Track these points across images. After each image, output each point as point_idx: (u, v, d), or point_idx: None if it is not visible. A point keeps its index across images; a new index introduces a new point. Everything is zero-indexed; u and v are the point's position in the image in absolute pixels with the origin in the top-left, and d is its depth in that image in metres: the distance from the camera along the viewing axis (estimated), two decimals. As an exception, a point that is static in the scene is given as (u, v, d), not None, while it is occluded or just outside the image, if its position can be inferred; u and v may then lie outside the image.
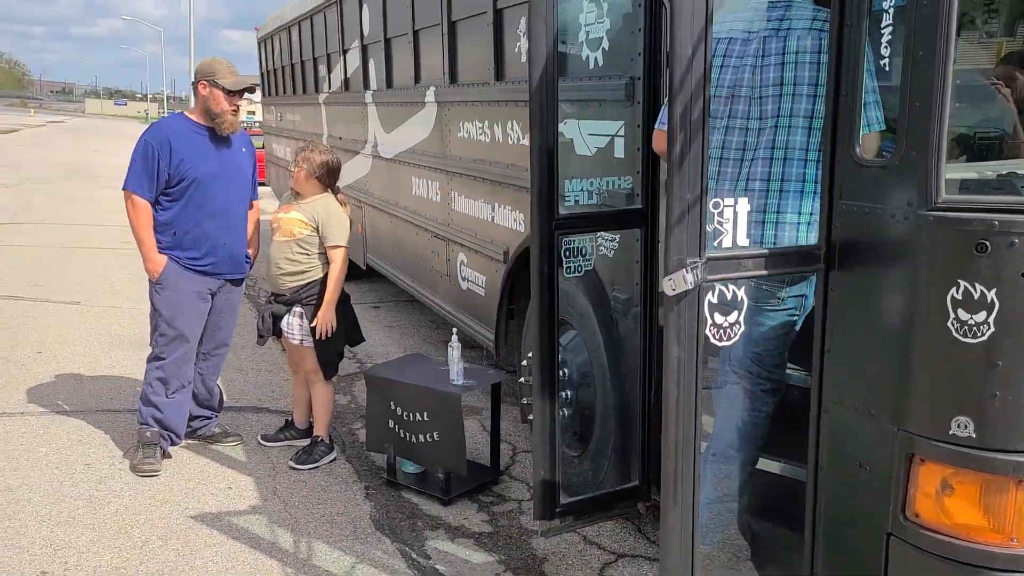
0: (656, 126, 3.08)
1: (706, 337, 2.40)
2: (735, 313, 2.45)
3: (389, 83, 6.77)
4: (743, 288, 2.45)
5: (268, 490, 4.35)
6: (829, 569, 2.58)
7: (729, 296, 2.43)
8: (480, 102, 4.96)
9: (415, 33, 6.02)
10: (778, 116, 2.82)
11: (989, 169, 2.23)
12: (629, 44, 3.40)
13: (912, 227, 2.21)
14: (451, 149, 5.50)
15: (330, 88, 8.75)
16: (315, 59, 9.38)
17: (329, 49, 8.63)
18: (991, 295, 2.08)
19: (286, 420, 5.05)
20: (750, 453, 3.13)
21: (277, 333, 4.66)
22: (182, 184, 4.48)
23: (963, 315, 2.12)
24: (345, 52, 8.04)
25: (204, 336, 4.74)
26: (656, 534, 3.92)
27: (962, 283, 2.11)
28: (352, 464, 4.73)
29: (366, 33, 7.29)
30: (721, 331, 2.44)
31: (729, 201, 2.38)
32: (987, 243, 2.06)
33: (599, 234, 3.55)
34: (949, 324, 2.14)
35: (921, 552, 2.27)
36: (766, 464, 3.09)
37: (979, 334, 2.10)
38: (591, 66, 3.65)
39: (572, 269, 3.31)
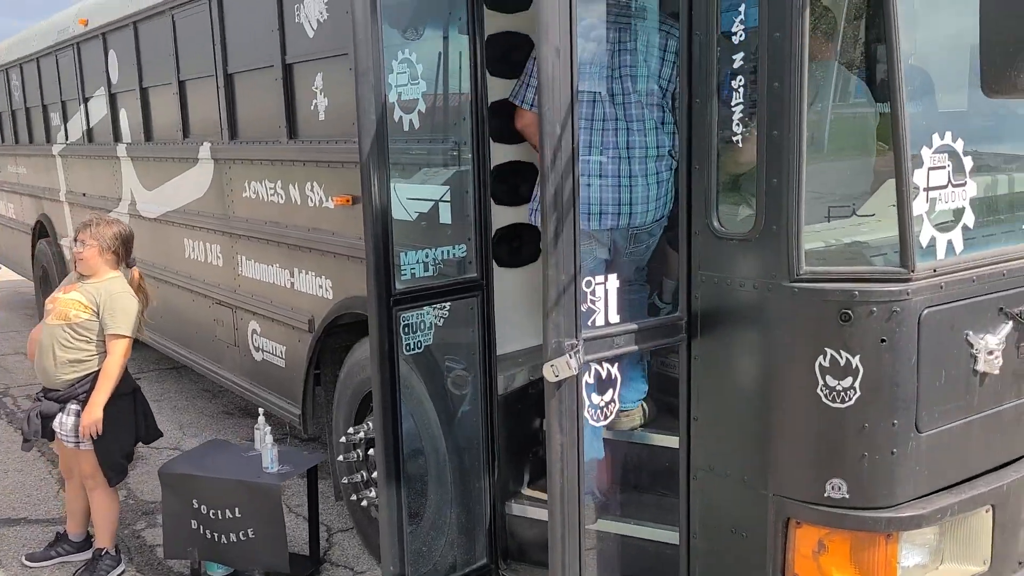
0: (514, 101, 3.10)
1: (586, 419, 2.33)
2: (610, 391, 2.40)
3: (148, 136, 6.14)
4: (616, 365, 2.41)
5: (47, 625, 3.67)
6: (707, 636, 2.59)
7: (604, 375, 2.38)
8: (271, 160, 4.61)
9: (181, 84, 5.51)
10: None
11: (834, 238, 2.36)
12: (452, 107, 3.30)
13: (775, 298, 2.28)
14: (235, 210, 5.06)
15: (68, 139, 7.81)
16: (45, 106, 8.35)
17: (65, 96, 7.71)
18: (856, 361, 2.19)
19: (57, 533, 4.31)
20: None
21: (48, 435, 3.98)
22: None
23: (831, 381, 2.21)
24: (87, 100, 7.21)
25: None
26: (499, 608, 3.77)
27: (828, 351, 2.21)
28: (144, 574, 4.14)
29: (114, 81, 6.58)
30: (599, 411, 2.38)
31: (600, 279, 2.33)
32: (850, 312, 2.17)
33: (429, 306, 3.38)
34: (818, 391, 2.22)
35: (803, 612, 2.33)
36: (637, 530, 3.05)
37: (847, 399, 2.20)
38: (405, 128, 3.47)
39: (412, 346, 3.12)
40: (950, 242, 2.28)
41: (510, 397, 3.52)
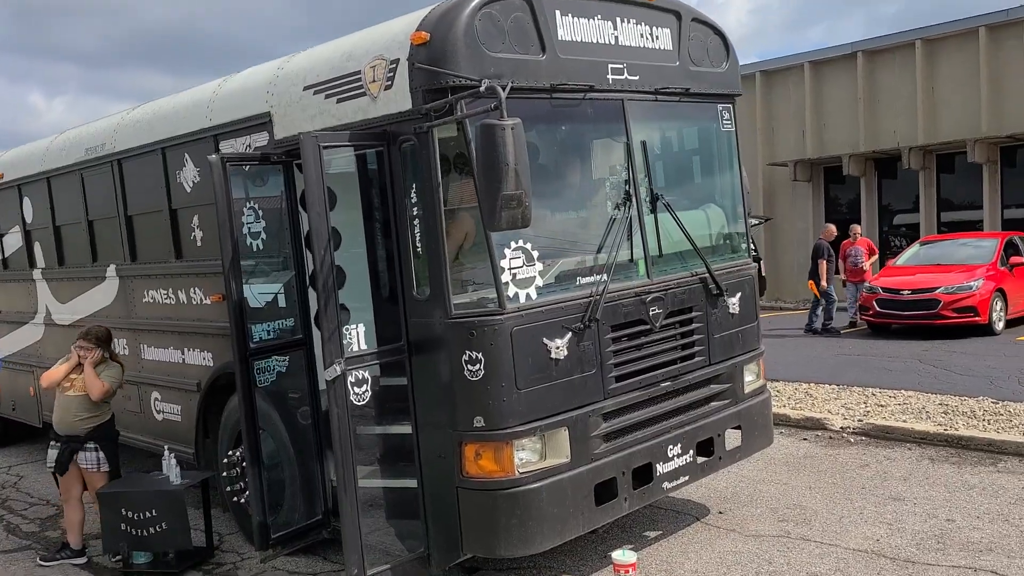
0: None
1: (351, 401, 4.44)
2: (365, 386, 4.53)
3: (61, 261, 7.98)
4: (367, 370, 4.54)
5: (27, 596, 5.41)
6: (436, 521, 4.66)
7: (361, 376, 4.51)
8: (164, 275, 6.59)
9: (90, 222, 7.44)
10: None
11: (470, 296, 4.58)
12: (279, 235, 5.42)
13: (443, 328, 4.48)
14: (137, 311, 6.98)
15: (-18, 267, 9.46)
16: (-42, 241, 9.98)
17: (-22, 232, 9.40)
18: (480, 355, 4.39)
19: (62, 543, 6.18)
20: None
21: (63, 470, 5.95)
22: None
23: (470, 367, 4.41)
24: (1, 236, 8.97)
25: None
26: (336, 557, 5.72)
27: (467, 352, 4.40)
28: (86, 570, 5.90)
29: (29, 220, 8.40)
30: (359, 396, 4.50)
31: (353, 327, 4.49)
32: (474, 331, 4.38)
33: (274, 357, 5.41)
34: (465, 373, 4.41)
35: (473, 490, 4.47)
36: (391, 483, 5.07)
37: (478, 375, 4.40)
38: (254, 249, 5.51)
39: (262, 381, 5.17)
40: (528, 294, 4.53)
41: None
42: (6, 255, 9.00)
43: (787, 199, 21.72)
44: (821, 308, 14.67)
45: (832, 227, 15.60)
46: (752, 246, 6.34)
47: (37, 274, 8.40)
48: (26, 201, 8.40)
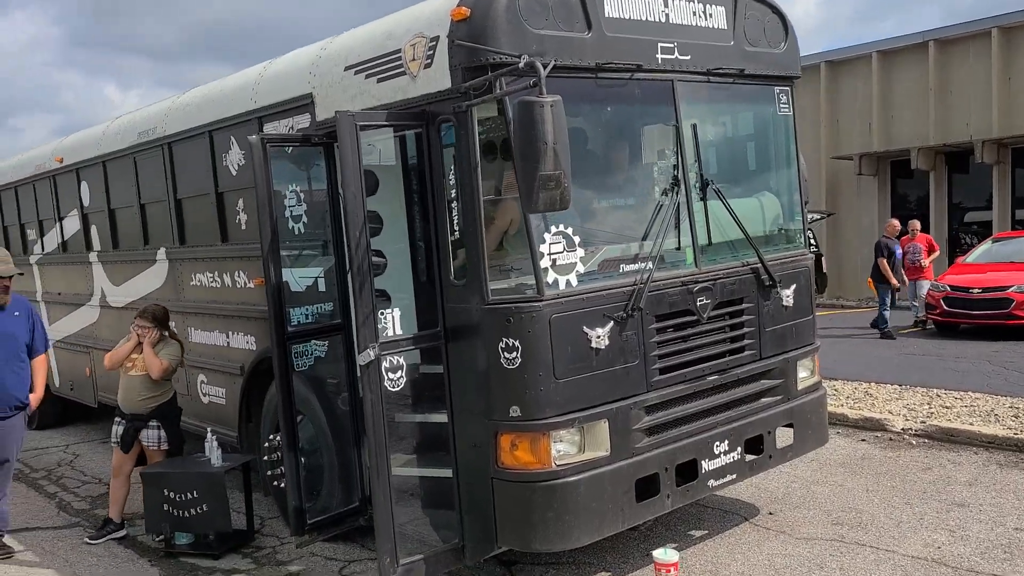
0: None
1: (385, 387, 4.34)
2: (399, 371, 4.43)
3: (116, 244, 8.09)
4: (402, 356, 4.44)
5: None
6: (470, 512, 4.54)
7: (396, 362, 4.41)
8: (210, 258, 6.61)
9: (142, 206, 7.51)
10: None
11: (508, 282, 4.43)
12: (322, 219, 5.35)
13: (480, 314, 4.34)
14: (185, 294, 7.02)
15: (44, 250, 9.67)
16: (23, 224, 10.22)
17: (41, 216, 9.61)
18: (518, 343, 4.24)
19: (104, 519, 6.28)
20: None
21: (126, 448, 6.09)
22: None
23: (507, 355, 4.26)
24: (61, 219, 9.14)
25: None
26: (373, 544, 5.64)
27: (504, 339, 4.26)
28: (130, 548, 5.94)
29: (86, 204, 8.53)
30: (393, 382, 4.40)
31: (389, 311, 4.38)
32: (511, 318, 4.24)
33: (312, 341, 5.35)
34: (501, 361, 4.27)
35: (508, 482, 4.33)
36: (426, 471, 4.97)
37: (515, 363, 4.25)
38: (295, 232, 5.48)
39: (300, 365, 5.11)
40: (568, 280, 4.37)
41: (370, 399, 5.48)
42: (65, 238, 9.16)
43: (851, 194, 21.05)
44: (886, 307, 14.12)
45: (895, 222, 14.94)
46: (812, 238, 6.07)
47: (93, 257, 8.53)
48: (83, 185, 8.53)
